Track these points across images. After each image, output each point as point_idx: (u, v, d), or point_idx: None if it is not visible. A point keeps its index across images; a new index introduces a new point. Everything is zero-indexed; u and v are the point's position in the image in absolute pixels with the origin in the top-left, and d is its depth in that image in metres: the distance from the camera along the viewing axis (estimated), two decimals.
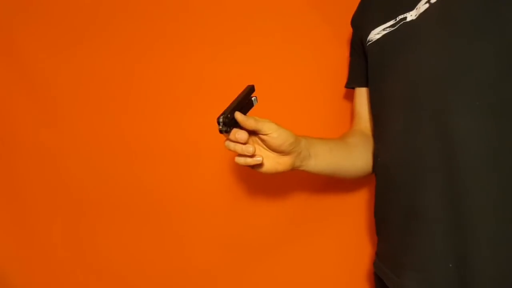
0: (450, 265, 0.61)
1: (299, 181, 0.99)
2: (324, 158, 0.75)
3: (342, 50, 0.96)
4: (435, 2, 0.64)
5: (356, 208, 1.00)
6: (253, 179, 0.98)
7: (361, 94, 0.88)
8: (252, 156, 0.65)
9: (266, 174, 0.69)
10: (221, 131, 0.63)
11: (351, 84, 0.91)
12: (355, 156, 0.81)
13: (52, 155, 0.97)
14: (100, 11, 0.95)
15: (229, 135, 0.63)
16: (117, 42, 0.95)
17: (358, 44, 0.85)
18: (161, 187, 0.97)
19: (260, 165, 0.67)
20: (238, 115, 0.63)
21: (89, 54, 0.95)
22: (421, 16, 0.67)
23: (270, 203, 1.00)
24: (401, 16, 0.70)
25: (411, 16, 0.69)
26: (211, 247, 0.99)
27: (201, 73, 0.96)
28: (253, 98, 0.68)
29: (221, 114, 0.63)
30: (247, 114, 0.66)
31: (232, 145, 0.65)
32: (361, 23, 0.82)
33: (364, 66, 0.83)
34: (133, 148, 0.97)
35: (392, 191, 0.71)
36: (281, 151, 0.67)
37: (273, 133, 0.65)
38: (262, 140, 0.66)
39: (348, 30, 0.93)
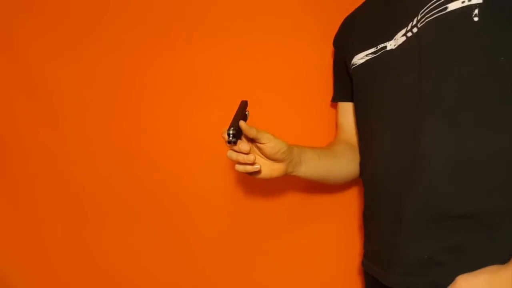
0: (425, 256, 0.69)
1: (294, 183, 1.02)
2: (313, 165, 0.84)
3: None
4: (410, 36, 0.72)
5: (348, 209, 1.03)
6: (251, 181, 0.99)
7: (344, 108, 0.96)
8: (251, 164, 0.74)
9: (262, 179, 0.78)
10: (229, 142, 0.70)
11: (336, 99, 0.99)
12: (342, 163, 0.90)
13: (53, 155, 0.98)
14: (101, 11, 0.97)
15: (234, 145, 0.71)
16: (117, 42, 0.97)
17: (341, 63, 0.92)
18: (162, 187, 0.99)
19: (258, 172, 0.76)
20: (243, 124, 0.71)
21: (90, 54, 0.96)
22: (399, 47, 0.74)
23: (266, 203, 1.02)
24: (382, 45, 0.78)
25: (390, 45, 0.76)
26: (210, 246, 1.01)
27: (201, 75, 0.99)
28: (246, 113, 0.77)
29: (230, 127, 0.70)
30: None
31: (234, 155, 0.74)
32: (344, 46, 0.89)
33: (347, 82, 0.90)
34: (134, 148, 0.98)
35: (381, 198, 0.78)
36: (275, 159, 0.76)
37: (270, 142, 0.74)
38: (259, 149, 0.76)
39: None
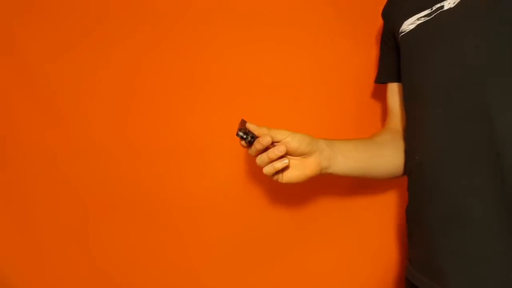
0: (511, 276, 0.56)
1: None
2: (351, 156, 0.73)
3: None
4: None
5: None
6: (261, 181, 0.97)
7: (393, 89, 0.85)
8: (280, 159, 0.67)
9: (299, 182, 0.70)
10: (245, 139, 0.67)
11: (382, 79, 0.88)
12: (386, 154, 0.78)
13: (54, 155, 0.96)
14: (102, 11, 0.95)
15: (252, 144, 0.67)
16: (118, 42, 0.95)
17: (389, 37, 0.82)
18: (165, 187, 0.97)
19: (290, 174, 0.69)
20: (250, 125, 0.67)
21: (91, 54, 0.95)
22: (460, 3, 0.63)
23: (275, 204, 0.98)
24: (438, 5, 0.66)
25: (448, 4, 0.65)
26: (218, 248, 0.98)
27: (203, 74, 0.96)
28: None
29: (238, 130, 0.68)
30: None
31: (264, 156, 0.67)
32: (393, 13, 0.78)
33: (396, 60, 0.80)
34: (136, 147, 0.96)
35: (430, 192, 0.67)
36: (300, 153, 0.68)
37: (287, 137, 0.66)
38: None
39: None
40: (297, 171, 0.69)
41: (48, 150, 0.96)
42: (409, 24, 0.72)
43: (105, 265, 0.98)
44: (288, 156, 0.68)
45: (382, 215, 0.98)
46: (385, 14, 0.83)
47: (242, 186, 0.97)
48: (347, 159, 0.73)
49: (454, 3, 0.64)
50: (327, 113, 0.97)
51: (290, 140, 0.66)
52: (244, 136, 0.67)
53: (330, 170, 0.72)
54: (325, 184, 0.97)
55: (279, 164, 0.66)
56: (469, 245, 0.60)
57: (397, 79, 0.82)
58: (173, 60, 0.96)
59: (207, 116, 0.96)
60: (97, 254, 0.98)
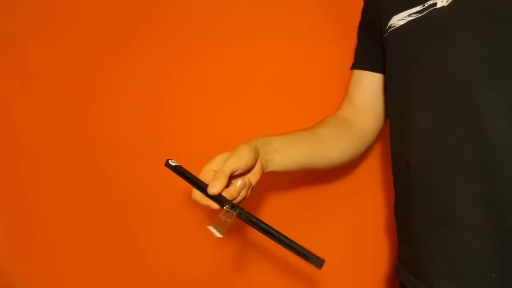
0: (493, 275, 0.56)
1: (305, 178, 0.98)
2: (287, 154, 0.71)
3: (351, 49, 0.93)
4: None
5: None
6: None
7: (360, 77, 0.83)
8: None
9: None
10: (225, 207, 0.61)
11: (358, 66, 0.85)
12: (326, 147, 0.77)
13: (54, 155, 0.96)
14: (101, 12, 0.95)
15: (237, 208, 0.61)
16: (118, 42, 0.95)
17: (370, 25, 0.79)
18: (165, 187, 0.95)
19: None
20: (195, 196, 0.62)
21: (90, 54, 0.95)
22: (454, 2, 0.61)
23: (274, 202, 0.98)
24: (430, 2, 0.64)
25: (441, 2, 0.62)
26: (218, 247, 0.97)
27: (204, 75, 0.96)
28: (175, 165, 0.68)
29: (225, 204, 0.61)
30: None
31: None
32: (381, 5, 0.75)
33: (374, 48, 0.78)
34: (136, 148, 0.96)
35: (417, 193, 0.66)
36: (247, 170, 0.65)
37: (237, 166, 0.62)
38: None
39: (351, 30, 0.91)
40: (254, 180, 0.66)
41: (48, 150, 0.96)
42: (399, 20, 0.69)
43: (105, 265, 0.98)
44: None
45: (374, 212, 0.97)
46: (370, 3, 0.81)
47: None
48: (283, 157, 0.71)
49: (447, 1, 0.62)
50: (322, 114, 0.94)
51: (244, 165, 0.62)
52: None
53: (269, 169, 0.70)
54: (316, 182, 0.98)
55: (243, 193, 0.63)
56: (453, 246, 0.60)
57: (370, 68, 0.81)
58: (171, 61, 0.96)
59: (206, 117, 0.96)
60: (97, 254, 0.98)
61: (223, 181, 0.60)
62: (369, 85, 0.82)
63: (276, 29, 0.95)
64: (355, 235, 0.97)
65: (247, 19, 0.96)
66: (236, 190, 0.61)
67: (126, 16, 0.95)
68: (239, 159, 0.62)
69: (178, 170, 0.66)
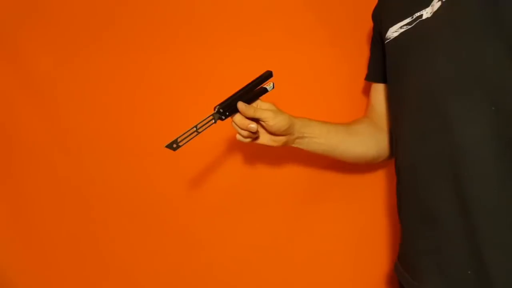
0: (469, 272, 0.59)
1: (307, 177, 0.99)
2: (317, 141, 0.79)
3: (350, 49, 0.96)
4: (445, 0, 0.62)
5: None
6: (258, 177, 0.98)
7: (377, 89, 0.87)
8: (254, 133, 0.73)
9: (261, 145, 0.76)
10: (216, 117, 0.70)
11: (369, 77, 0.90)
12: (355, 141, 0.83)
13: (55, 155, 0.96)
14: (101, 12, 0.95)
15: (221, 120, 0.71)
16: (118, 43, 0.95)
17: (377, 38, 0.83)
18: (165, 187, 0.97)
19: (257, 137, 0.75)
20: (240, 105, 0.70)
21: (90, 54, 0.95)
22: (435, 14, 0.64)
23: (276, 202, 0.99)
24: (418, 14, 0.67)
25: (426, 13, 0.66)
26: (218, 247, 0.99)
27: (204, 75, 0.96)
28: (268, 85, 0.75)
29: (219, 104, 0.70)
30: (260, 98, 0.74)
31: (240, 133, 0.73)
32: (381, 18, 0.79)
33: (382, 62, 0.81)
34: (136, 148, 0.96)
35: (408, 195, 0.71)
36: (275, 135, 0.74)
37: (270, 121, 0.71)
38: (260, 125, 0.74)
39: (355, 28, 0.94)
40: (265, 139, 0.75)
41: (48, 150, 0.96)
42: (393, 32, 0.73)
43: (105, 264, 0.98)
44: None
45: (376, 211, 0.98)
46: (375, 16, 0.84)
47: (242, 185, 0.98)
48: (314, 144, 0.79)
49: (430, 13, 0.65)
50: (321, 113, 0.93)
51: (271, 124, 0.71)
52: (213, 112, 0.69)
53: (294, 145, 0.79)
54: (318, 182, 0.99)
55: (244, 133, 0.72)
56: (437, 244, 0.64)
57: (381, 80, 0.84)
58: (171, 61, 0.95)
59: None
60: (97, 254, 0.98)
61: (248, 111, 0.70)
62: (384, 95, 0.86)
63: (276, 29, 0.95)
64: (356, 234, 0.98)
65: (247, 19, 0.95)
66: (244, 124, 0.70)
67: (127, 18, 0.94)
68: (272, 120, 0.71)
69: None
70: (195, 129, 0.68)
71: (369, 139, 0.84)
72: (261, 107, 0.73)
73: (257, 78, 0.74)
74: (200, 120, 0.69)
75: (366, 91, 0.97)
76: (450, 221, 0.61)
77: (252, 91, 0.73)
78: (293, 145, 0.79)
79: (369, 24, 0.87)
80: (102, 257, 0.98)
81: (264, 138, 0.75)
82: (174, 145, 0.66)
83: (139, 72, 0.96)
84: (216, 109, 0.69)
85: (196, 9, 0.95)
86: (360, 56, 0.94)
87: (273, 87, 0.76)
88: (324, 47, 0.96)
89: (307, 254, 0.99)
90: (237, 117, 0.71)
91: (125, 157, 0.97)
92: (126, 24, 0.95)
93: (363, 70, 0.91)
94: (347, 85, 0.98)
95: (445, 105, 0.60)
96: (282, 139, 0.75)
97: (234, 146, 0.96)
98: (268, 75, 0.75)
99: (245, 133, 0.72)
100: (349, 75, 0.97)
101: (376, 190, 0.99)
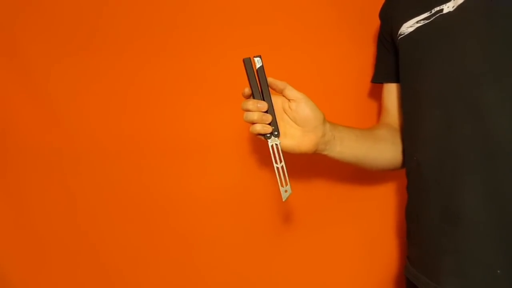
0: (499, 271, 0.57)
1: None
2: (349, 144, 0.74)
3: (356, 47, 0.95)
4: None
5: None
6: (261, 177, 0.96)
7: (389, 89, 0.85)
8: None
9: (291, 152, 0.69)
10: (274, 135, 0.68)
11: (378, 79, 0.88)
12: (383, 147, 0.79)
13: (54, 155, 0.96)
14: (101, 12, 0.94)
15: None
16: (119, 43, 0.94)
17: (386, 37, 0.82)
18: (166, 186, 0.96)
19: (284, 142, 0.68)
20: (270, 79, 0.67)
21: (90, 54, 0.94)
22: (459, 7, 0.63)
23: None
24: (437, 8, 0.66)
25: (447, 7, 0.65)
26: (218, 247, 0.98)
27: (207, 73, 0.95)
28: (257, 67, 0.69)
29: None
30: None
31: (250, 115, 0.66)
32: (391, 15, 0.78)
33: (393, 60, 0.80)
34: (137, 148, 0.96)
35: (428, 192, 0.68)
36: (307, 125, 0.67)
37: (302, 102, 0.66)
38: (291, 111, 0.67)
39: (361, 26, 0.92)
40: (292, 141, 0.68)
41: (48, 150, 0.95)
42: (408, 27, 0.72)
43: (106, 264, 0.97)
44: (290, 123, 0.68)
45: (383, 214, 0.98)
46: (383, 15, 0.83)
47: (243, 185, 0.97)
48: (345, 147, 0.73)
49: (453, 7, 0.64)
50: (325, 112, 0.96)
51: (303, 107, 0.67)
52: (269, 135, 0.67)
53: (325, 153, 0.72)
54: (328, 184, 0.98)
55: (259, 127, 0.66)
56: (461, 243, 0.62)
57: (394, 80, 0.82)
58: (173, 60, 0.95)
59: (208, 115, 0.95)
60: (98, 254, 0.97)
61: (279, 84, 0.67)
62: (398, 94, 0.84)
63: (276, 29, 0.95)
64: (365, 236, 0.98)
65: (251, 18, 0.95)
66: (254, 104, 0.67)
67: (127, 18, 0.94)
68: (305, 102, 0.67)
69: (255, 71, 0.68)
70: (276, 165, 0.68)
71: (394, 145, 0.80)
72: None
73: (247, 72, 0.68)
74: (272, 156, 0.68)
75: (372, 93, 0.97)
76: (476, 217, 0.59)
77: (258, 80, 0.68)
78: (324, 152, 0.71)
79: (375, 23, 0.87)
80: (101, 257, 0.97)
81: (293, 141, 0.68)
82: (286, 191, 0.68)
83: (139, 72, 0.95)
84: (270, 133, 0.67)
85: (198, 8, 0.94)
86: (365, 56, 0.94)
87: (262, 63, 0.69)
88: (329, 47, 0.95)
89: (312, 256, 0.98)
90: (258, 103, 0.66)
91: (124, 157, 0.96)
92: (126, 24, 0.94)
93: (368, 70, 0.91)
94: (353, 86, 0.97)
95: (477, 96, 0.59)
96: (312, 139, 0.68)
97: (238, 146, 0.95)
98: (247, 62, 0.68)
99: (256, 115, 0.66)
100: (355, 76, 0.96)
101: (384, 194, 0.98)
